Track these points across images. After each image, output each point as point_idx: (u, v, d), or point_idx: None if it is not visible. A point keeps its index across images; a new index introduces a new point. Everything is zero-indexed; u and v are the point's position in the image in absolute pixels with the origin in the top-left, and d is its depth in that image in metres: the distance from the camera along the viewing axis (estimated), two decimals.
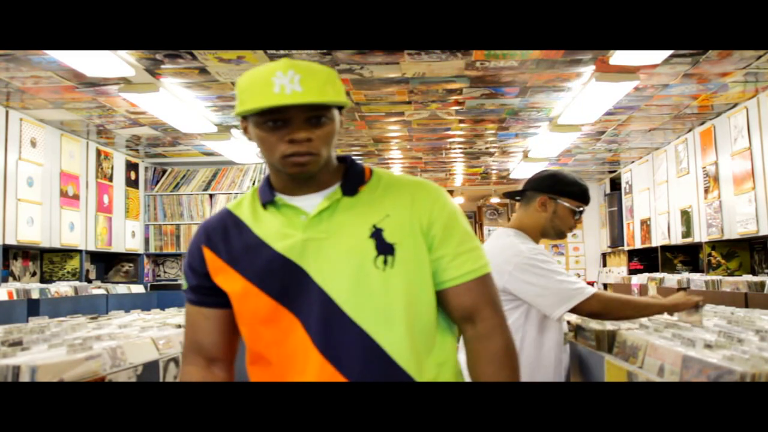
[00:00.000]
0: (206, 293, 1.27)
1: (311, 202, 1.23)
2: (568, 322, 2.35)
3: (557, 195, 2.16)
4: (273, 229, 1.23)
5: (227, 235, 1.26)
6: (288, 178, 1.22)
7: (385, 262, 1.19)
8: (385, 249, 1.20)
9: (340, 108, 1.22)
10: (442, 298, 1.24)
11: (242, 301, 1.23)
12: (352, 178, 1.26)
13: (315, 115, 1.16)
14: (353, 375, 1.16)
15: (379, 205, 1.24)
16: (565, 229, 2.21)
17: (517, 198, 2.27)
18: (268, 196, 1.25)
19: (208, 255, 1.26)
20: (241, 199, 1.31)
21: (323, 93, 1.14)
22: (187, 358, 1.30)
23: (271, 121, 1.15)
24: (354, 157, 1.34)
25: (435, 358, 1.23)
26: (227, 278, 1.24)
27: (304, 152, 1.16)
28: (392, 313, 1.18)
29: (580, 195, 2.18)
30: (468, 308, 1.23)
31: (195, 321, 1.29)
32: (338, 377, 1.16)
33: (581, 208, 2.18)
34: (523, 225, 2.19)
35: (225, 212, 1.30)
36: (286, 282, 1.19)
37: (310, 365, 1.17)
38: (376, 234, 1.20)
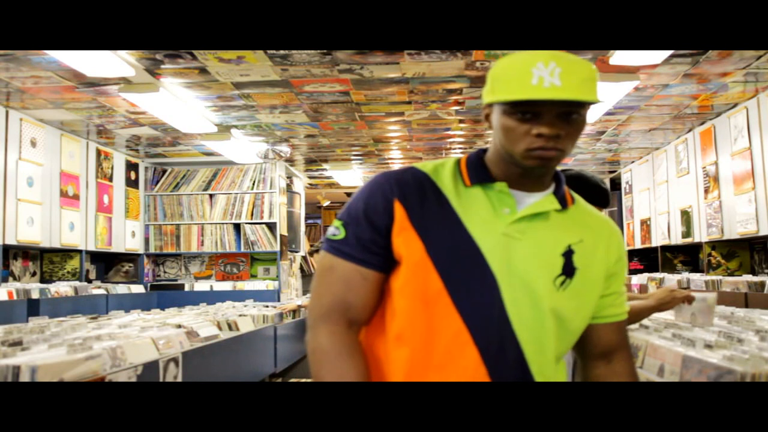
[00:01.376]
0: (375, 252, 1.17)
1: (526, 200, 1.19)
2: None
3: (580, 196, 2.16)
4: (474, 211, 1.18)
5: (424, 198, 1.18)
6: (514, 168, 1.17)
7: (563, 283, 1.18)
8: (569, 271, 1.18)
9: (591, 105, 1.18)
10: (590, 332, 1.26)
11: (414, 272, 1.15)
12: (562, 193, 1.24)
13: (567, 111, 1.11)
14: (495, 375, 1.14)
15: (578, 228, 1.23)
16: None
17: None
18: (482, 177, 1.20)
19: (399, 211, 1.17)
20: (435, 166, 1.23)
21: (581, 90, 1.09)
22: (329, 318, 1.17)
23: (520, 113, 1.11)
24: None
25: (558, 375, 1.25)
26: (408, 243, 1.16)
27: (551, 147, 1.11)
28: (546, 338, 1.17)
29: (603, 199, 2.16)
30: (612, 346, 1.27)
31: (350, 279, 1.17)
32: (487, 380, 1.14)
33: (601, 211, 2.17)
34: None
35: (421, 174, 1.21)
36: (465, 271, 1.15)
37: (465, 361, 1.14)
38: (568, 254, 1.19)
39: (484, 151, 1.24)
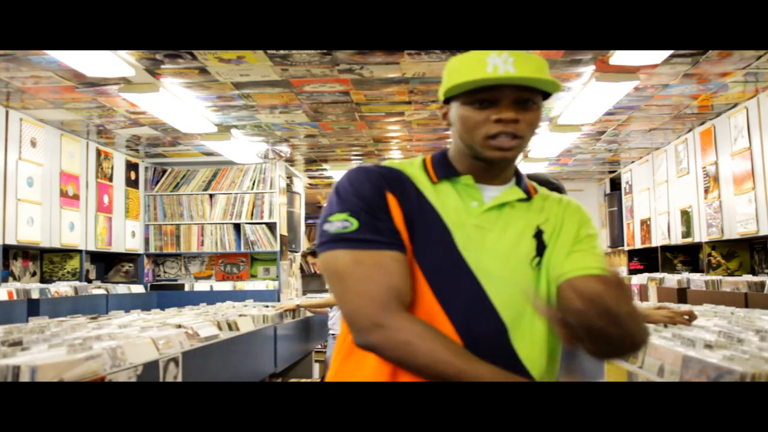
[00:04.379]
0: (393, 233, 1.14)
1: (490, 193, 1.22)
2: None
3: None
4: (447, 205, 1.20)
5: (405, 192, 1.19)
6: (477, 163, 1.21)
7: (539, 263, 1.20)
8: (541, 250, 1.21)
9: (546, 98, 1.21)
10: (563, 293, 1.17)
11: None
12: (524, 182, 1.27)
13: (524, 98, 1.15)
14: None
15: (541, 210, 1.26)
16: None
17: None
18: (447, 172, 1.22)
19: (393, 202, 1.17)
20: (403, 164, 1.24)
21: (536, 75, 1.13)
22: (391, 307, 1.09)
23: (478, 101, 1.15)
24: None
25: (555, 365, 1.23)
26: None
27: (510, 132, 1.15)
28: (536, 325, 1.18)
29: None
30: (591, 293, 1.03)
31: (386, 265, 1.11)
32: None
33: None
34: None
35: (396, 170, 1.22)
36: (442, 262, 1.16)
37: None
38: (538, 234, 1.21)
39: (447, 150, 1.28)
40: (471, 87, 1.14)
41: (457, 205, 1.20)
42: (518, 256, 1.19)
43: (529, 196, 1.26)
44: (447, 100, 1.22)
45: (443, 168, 1.23)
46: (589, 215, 1.31)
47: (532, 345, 1.18)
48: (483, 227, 1.19)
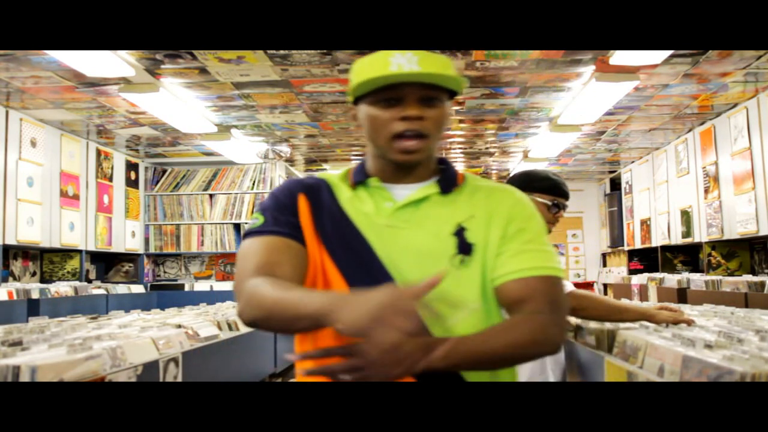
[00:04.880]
0: (294, 228, 1.22)
1: (403, 192, 1.24)
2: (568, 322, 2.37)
3: (528, 192, 2.16)
4: (359, 209, 1.24)
5: (319, 196, 1.26)
6: (388, 164, 1.23)
7: (462, 261, 1.19)
8: (464, 248, 1.20)
9: (452, 97, 1.23)
10: (497, 294, 1.21)
11: (313, 265, 1.21)
12: (448, 178, 1.27)
13: (429, 95, 1.18)
14: None
15: (467, 206, 1.25)
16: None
17: None
18: (360, 176, 1.27)
19: (303, 204, 1.25)
20: (332, 175, 1.32)
21: (439, 71, 1.16)
22: (256, 275, 1.15)
23: (384, 100, 1.18)
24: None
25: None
26: (307, 234, 1.23)
27: (415, 130, 1.17)
28: (454, 313, 1.15)
29: (551, 189, 2.19)
30: (518, 298, 1.17)
31: (273, 245, 1.19)
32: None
33: (555, 202, 2.19)
34: None
35: (320, 179, 1.31)
36: (358, 262, 1.19)
37: None
38: (459, 233, 1.21)
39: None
40: (375, 85, 1.17)
41: (370, 207, 1.23)
42: (436, 254, 1.19)
43: (445, 190, 1.24)
44: (356, 102, 1.25)
45: (358, 174, 1.28)
46: (525, 203, 1.28)
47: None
48: (396, 226, 1.21)
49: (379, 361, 1.00)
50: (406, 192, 1.24)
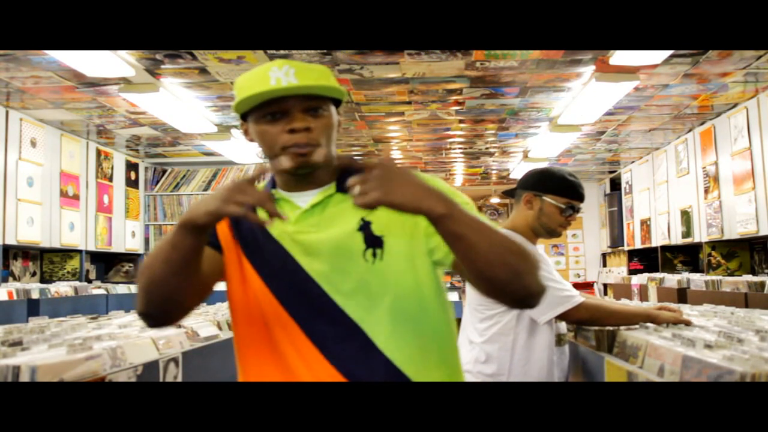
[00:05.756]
0: (211, 237, 1.26)
1: (306, 199, 1.25)
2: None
3: (542, 192, 2.10)
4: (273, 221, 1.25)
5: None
6: (288, 176, 1.25)
7: (374, 254, 1.21)
8: (373, 242, 1.21)
9: (337, 106, 1.26)
10: (460, 268, 1.20)
11: (233, 275, 1.26)
12: (347, 176, 1.25)
13: (313, 106, 1.20)
14: (339, 363, 1.18)
15: None
16: (554, 227, 2.12)
17: (512, 197, 2.26)
18: (268, 188, 1.30)
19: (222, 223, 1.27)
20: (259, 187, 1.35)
21: (318, 83, 1.20)
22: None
23: (269, 114, 1.20)
24: (356, 158, 1.35)
25: (432, 354, 1.22)
26: (229, 247, 1.27)
27: (305, 143, 1.19)
28: (380, 305, 1.19)
29: (567, 190, 2.10)
30: None
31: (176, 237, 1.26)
32: (324, 363, 1.18)
33: (570, 205, 2.10)
34: (515, 225, 2.14)
35: None
36: (280, 271, 1.23)
37: (305, 354, 1.19)
38: (364, 227, 1.22)
39: None
40: (256, 101, 1.19)
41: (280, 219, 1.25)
42: (348, 252, 1.21)
43: (343, 189, 1.23)
44: (245, 118, 1.26)
45: (268, 186, 1.31)
46: (424, 179, 1.20)
47: (394, 334, 1.19)
48: (305, 231, 1.23)
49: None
50: (308, 198, 1.25)
